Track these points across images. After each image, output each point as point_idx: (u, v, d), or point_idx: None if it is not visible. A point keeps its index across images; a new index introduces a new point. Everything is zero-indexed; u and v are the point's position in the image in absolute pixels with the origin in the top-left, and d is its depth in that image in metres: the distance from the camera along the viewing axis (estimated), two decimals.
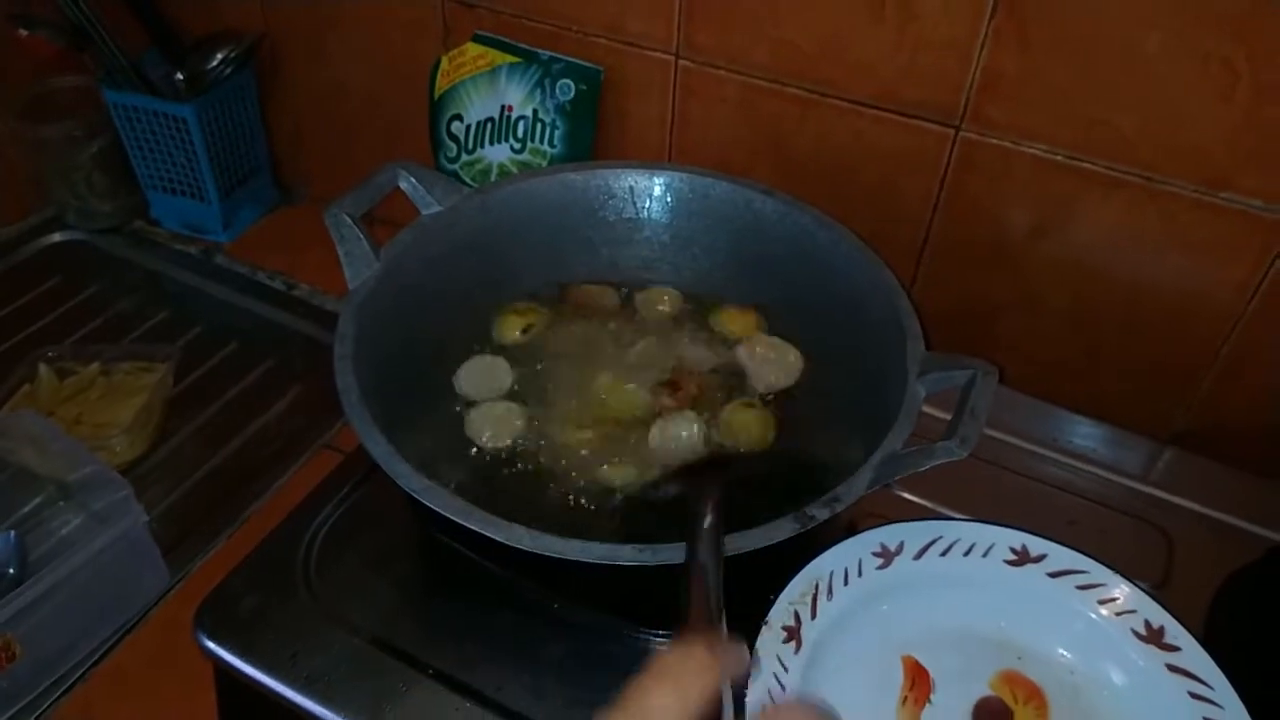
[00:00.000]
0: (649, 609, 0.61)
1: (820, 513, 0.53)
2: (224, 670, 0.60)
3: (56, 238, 1.17)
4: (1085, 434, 0.80)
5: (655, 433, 0.68)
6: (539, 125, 0.93)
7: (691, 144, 0.91)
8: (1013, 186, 0.80)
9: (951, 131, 0.80)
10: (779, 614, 0.57)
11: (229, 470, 0.92)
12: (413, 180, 0.71)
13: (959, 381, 0.59)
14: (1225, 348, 0.78)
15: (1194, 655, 0.56)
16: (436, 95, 0.97)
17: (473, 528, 0.51)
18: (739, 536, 0.51)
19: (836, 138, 0.84)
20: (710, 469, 0.61)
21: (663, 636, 0.62)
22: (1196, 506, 0.74)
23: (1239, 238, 0.73)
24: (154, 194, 1.15)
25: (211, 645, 0.60)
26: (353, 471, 0.71)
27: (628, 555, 0.50)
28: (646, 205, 0.77)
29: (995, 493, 0.74)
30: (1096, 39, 0.71)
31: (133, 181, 1.14)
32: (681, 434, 0.68)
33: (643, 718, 0.34)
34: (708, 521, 0.46)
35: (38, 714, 0.71)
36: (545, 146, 0.93)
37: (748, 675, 0.40)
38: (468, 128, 0.96)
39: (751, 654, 0.55)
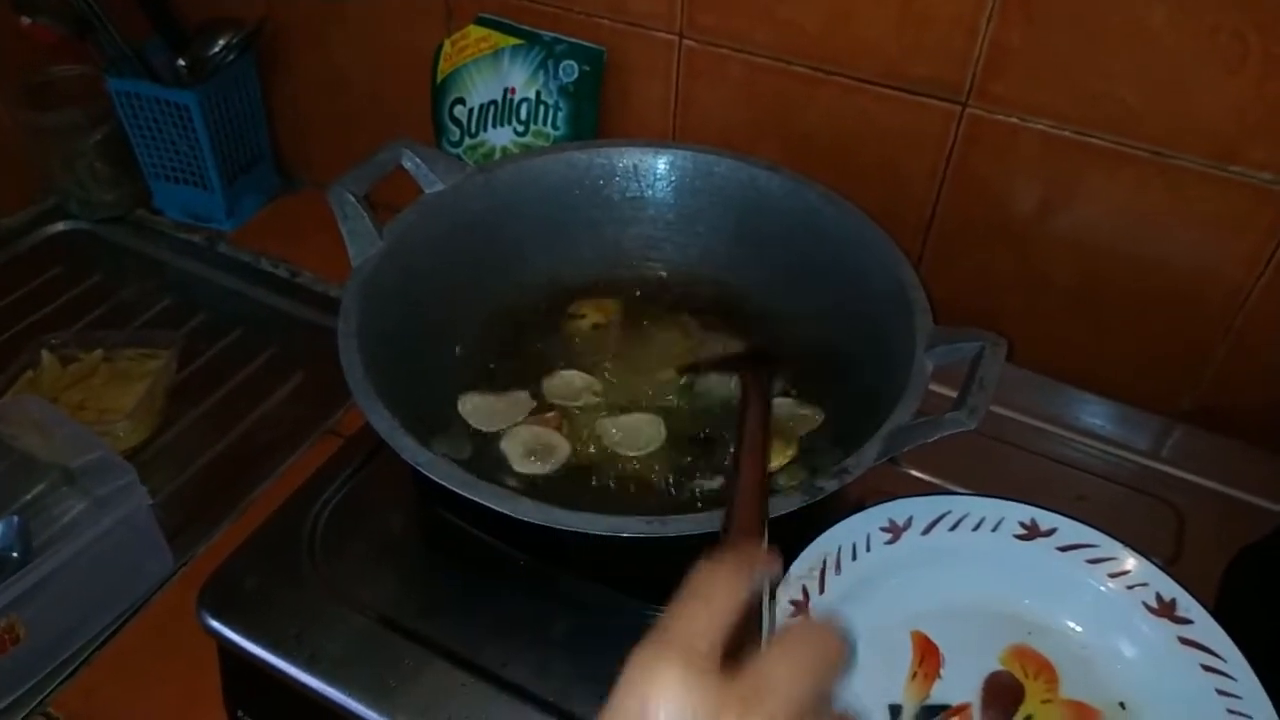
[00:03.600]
0: (658, 584, 0.61)
1: (829, 484, 0.52)
2: (227, 649, 0.60)
3: (60, 227, 1.16)
4: (1093, 411, 0.79)
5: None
6: (542, 107, 0.92)
7: (696, 124, 0.91)
8: (1019, 163, 0.79)
9: (957, 108, 0.79)
10: (786, 589, 0.56)
11: (232, 456, 0.91)
12: (416, 159, 0.70)
13: (967, 354, 0.58)
14: (1235, 322, 0.77)
15: (1206, 628, 0.56)
16: (439, 79, 0.96)
17: (478, 500, 0.51)
18: None
19: (842, 116, 0.84)
20: (758, 360, 0.61)
21: (660, 609, 0.61)
22: (1207, 482, 0.73)
23: (1248, 212, 0.73)
24: (157, 183, 1.14)
25: (215, 624, 0.60)
26: (357, 451, 0.71)
27: (636, 527, 0.50)
28: (650, 183, 0.76)
29: (1003, 469, 0.73)
30: (1103, 11, 0.70)
31: (135, 170, 1.14)
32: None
33: (682, 640, 0.33)
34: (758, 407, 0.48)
35: (41, 697, 0.71)
36: (549, 129, 0.92)
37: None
38: (470, 111, 0.95)
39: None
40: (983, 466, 0.73)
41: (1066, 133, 0.76)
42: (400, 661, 0.57)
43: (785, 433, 0.66)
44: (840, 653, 0.34)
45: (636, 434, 0.67)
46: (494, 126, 0.95)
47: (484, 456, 0.65)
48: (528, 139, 0.94)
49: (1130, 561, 0.59)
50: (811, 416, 0.68)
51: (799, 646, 0.34)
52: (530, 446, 0.66)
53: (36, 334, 0.96)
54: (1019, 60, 0.75)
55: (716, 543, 0.40)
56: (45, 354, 0.94)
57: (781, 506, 0.51)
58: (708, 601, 0.34)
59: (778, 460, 0.64)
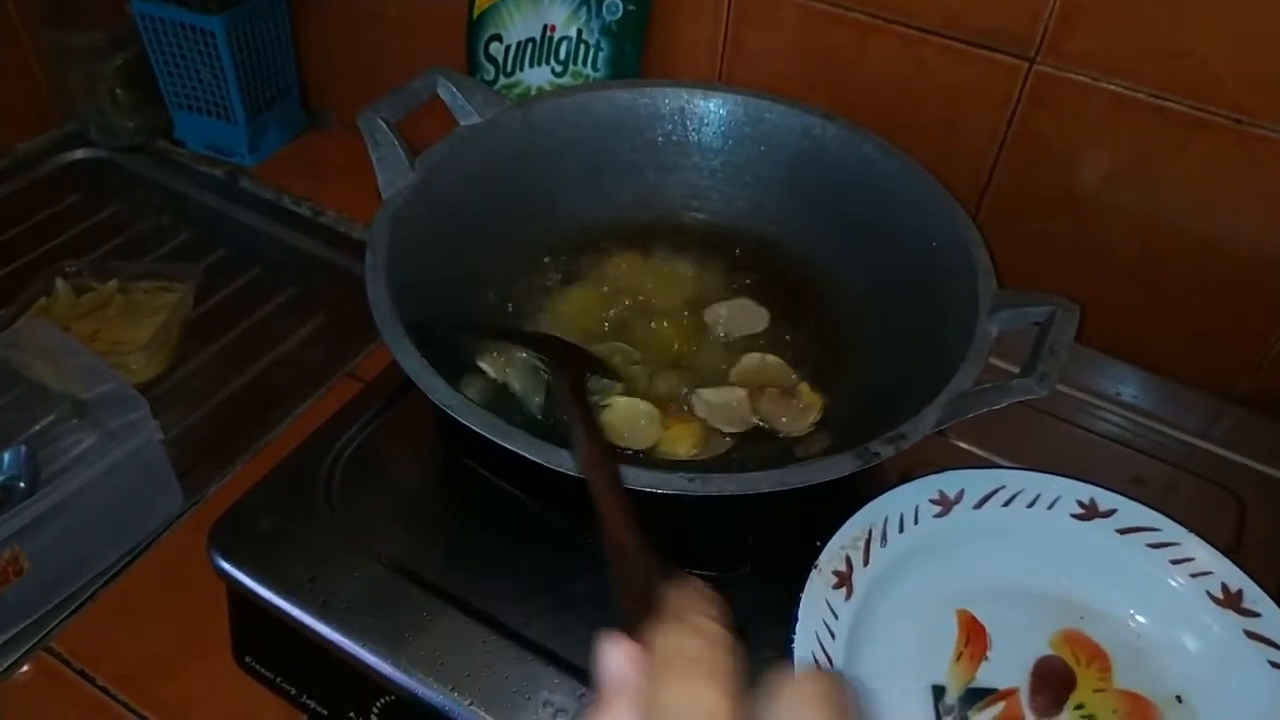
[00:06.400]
0: (688, 543, 0.58)
1: (884, 449, 0.49)
2: (237, 592, 0.57)
3: (78, 154, 1.13)
4: (1149, 389, 0.75)
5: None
6: (582, 47, 0.88)
7: (743, 72, 0.87)
8: (1087, 126, 0.75)
9: (1025, 64, 0.74)
10: (829, 558, 0.53)
11: (247, 396, 0.89)
12: (452, 88, 0.66)
13: (1034, 319, 0.55)
14: None
15: (1276, 622, 0.52)
16: (475, 14, 0.92)
17: (512, 449, 0.47)
18: (799, 470, 0.47)
19: (898, 68, 0.79)
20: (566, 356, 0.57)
21: (699, 574, 0.58)
22: (1270, 470, 0.69)
23: None
24: (179, 112, 1.11)
25: (225, 565, 0.57)
26: (380, 393, 0.67)
27: (676, 484, 0.46)
28: (696, 128, 0.72)
29: (1055, 445, 0.70)
30: None
31: (157, 98, 1.10)
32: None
33: None
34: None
35: (45, 632, 0.69)
36: (588, 70, 0.88)
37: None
38: (507, 49, 0.91)
39: (799, 599, 0.51)
40: (1032, 441, 0.69)
41: (1140, 95, 0.72)
42: (419, 614, 0.54)
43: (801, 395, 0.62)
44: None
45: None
46: (531, 66, 0.91)
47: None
48: (566, 80, 0.90)
49: (1195, 548, 0.55)
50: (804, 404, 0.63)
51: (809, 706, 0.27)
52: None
53: (51, 262, 0.94)
54: (1095, 14, 0.70)
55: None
56: (59, 282, 0.91)
57: (834, 470, 0.48)
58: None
59: (799, 423, 0.61)
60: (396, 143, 0.62)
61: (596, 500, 0.38)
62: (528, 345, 0.62)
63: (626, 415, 0.61)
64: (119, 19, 1.04)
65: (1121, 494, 0.58)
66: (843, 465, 0.48)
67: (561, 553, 0.59)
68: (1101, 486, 0.58)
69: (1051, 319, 0.53)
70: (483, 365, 0.62)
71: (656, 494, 0.46)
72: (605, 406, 0.60)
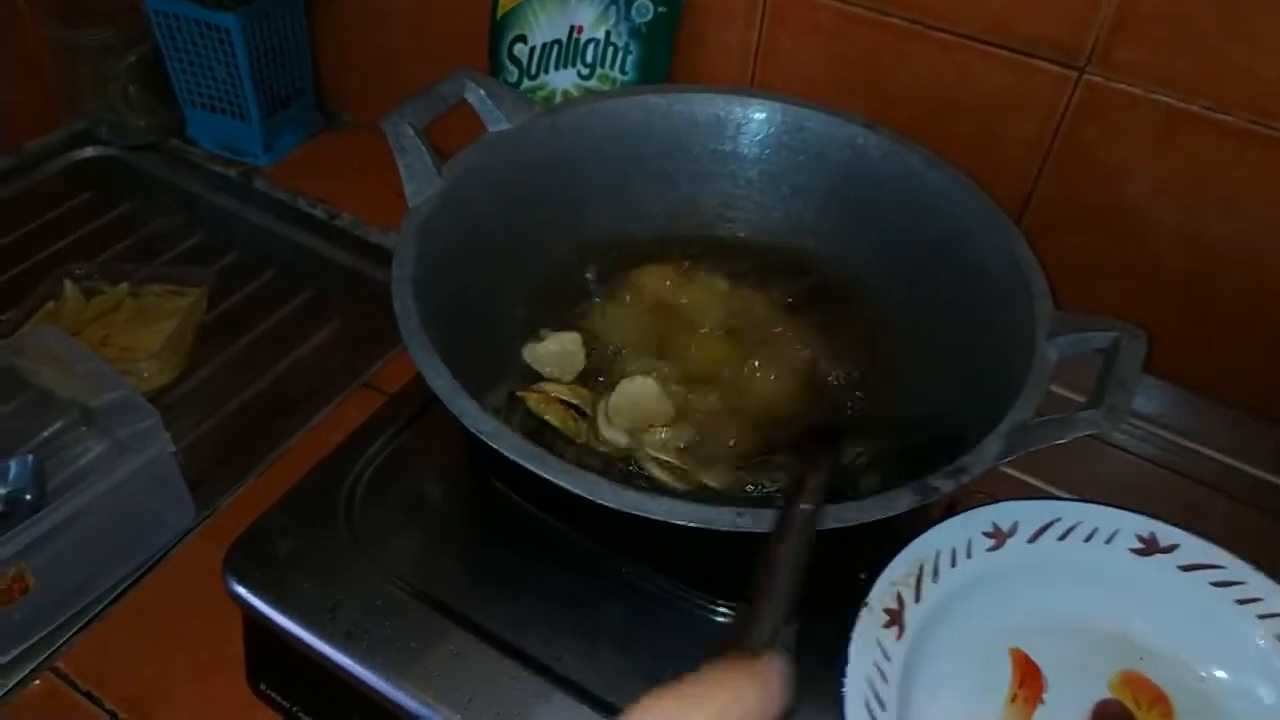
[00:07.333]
0: (722, 576, 0.55)
1: (944, 484, 0.46)
2: (254, 620, 0.55)
3: (89, 152, 1.11)
4: (1201, 414, 0.72)
5: None
6: (610, 49, 0.85)
7: (776, 77, 0.84)
8: (1137, 139, 0.72)
9: (1074, 74, 0.72)
10: (880, 594, 0.51)
11: (261, 404, 0.86)
12: (481, 92, 0.64)
13: (1097, 345, 0.52)
14: None
15: None
16: (499, 14, 0.89)
17: (549, 478, 0.44)
18: (855, 507, 0.44)
19: (939, 75, 0.77)
20: (820, 437, 0.53)
21: (729, 606, 0.56)
22: None
23: None
24: (192, 111, 1.08)
25: (242, 591, 0.54)
26: (402, 409, 0.65)
27: (725, 520, 0.44)
28: (732, 135, 0.69)
29: (1102, 472, 0.67)
30: None
31: (170, 96, 1.08)
32: None
33: None
34: (803, 505, 0.38)
35: (50, 651, 0.66)
36: (616, 73, 0.86)
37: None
38: (531, 50, 0.88)
39: (849, 638, 0.49)
40: (1080, 468, 0.66)
41: (1195, 107, 0.69)
42: (444, 646, 0.52)
43: None
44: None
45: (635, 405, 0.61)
46: (557, 68, 0.88)
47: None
48: (593, 83, 0.87)
49: (1263, 588, 0.53)
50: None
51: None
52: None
53: (59, 263, 0.91)
54: (1149, 23, 0.68)
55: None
56: (68, 284, 0.89)
57: (892, 507, 0.45)
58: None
59: None
60: (424, 150, 0.59)
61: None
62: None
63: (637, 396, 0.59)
64: (131, 15, 1.01)
65: (1184, 528, 0.55)
66: (900, 501, 0.45)
67: (595, 582, 0.56)
68: (1162, 520, 0.55)
69: (1117, 346, 0.50)
70: (525, 398, 0.59)
71: (704, 530, 0.44)
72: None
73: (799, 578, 0.35)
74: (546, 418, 0.58)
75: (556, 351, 0.63)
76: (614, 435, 0.58)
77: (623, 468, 0.57)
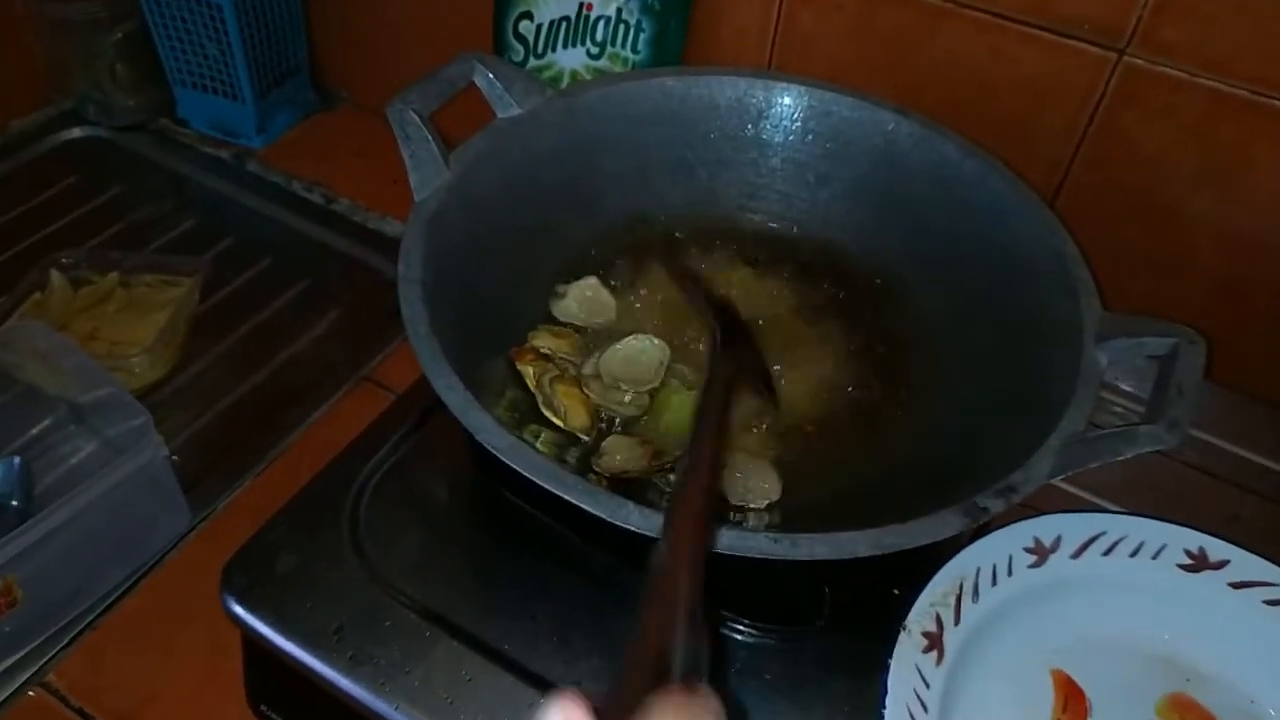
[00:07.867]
0: (761, 597, 0.52)
1: (993, 504, 0.43)
2: (254, 641, 0.52)
3: (75, 133, 1.06)
4: (1244, 416, 0.69)
5: None
6: (621, 27, 0.81)
7: (796, 59, 0.80)
8: (1178, 125, 0.69)
9: (1113, 55, 0.68)
10: (919, 617, 0.48)
11: (258, 400, 0.83)
12: (490, 75, 0.60)
13: (1152, 352, 0.49)
14: None
15: None
16: None
17: (570, 499, 0.41)
18: (898, 531, 0.41)
19: (970, 57, 0.73)
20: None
21: (772, 629, 0.53)
22: None
23: None
24: (182, 90, 1.04)
25: (241, 611, 0.51)
26: (407, 412, 0.61)
27: (762, 545, 0.41)
28: (754, 120, 0.66)
29: (1142, 478, 0.64)
30: None
31: (159, 75, 1.03)
32: None
33: None
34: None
35: (41, 664, 0.63)
36: (627, 52, 0.82)
37: None
38: (538, 28, 0.84)
39: (887, 665, 0.46)
40: (1118, 474, 0.63)
41: (1241, 92, 0.66)
42: (456, 670, 0.49)
43: None
44: None
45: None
46: (565, 47, 0.84)
47: None
48: (602, 63, 0.83)
49: None
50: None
51: None
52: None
53: (46, 251, 0.87)
54: (1196, 4, 0.64)
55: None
56: (55, 274, 0.85)
57: (938, 531, 0.42)
58: None
59: None
60: (430, 138, 0.56)
61: (674, 532, 0.33)
62: (705, 305, 0.56)
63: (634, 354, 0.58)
64: None
65: (1234, 544, 0.52)
66: (948, 524, 0.42)
67: (613, 600, 0.53)
68: (1213, 535, 0.52)
69: (1176, 353, 0.47)
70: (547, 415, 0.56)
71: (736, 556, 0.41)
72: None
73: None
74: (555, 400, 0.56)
75: (579, 300, 0.62)
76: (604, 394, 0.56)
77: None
